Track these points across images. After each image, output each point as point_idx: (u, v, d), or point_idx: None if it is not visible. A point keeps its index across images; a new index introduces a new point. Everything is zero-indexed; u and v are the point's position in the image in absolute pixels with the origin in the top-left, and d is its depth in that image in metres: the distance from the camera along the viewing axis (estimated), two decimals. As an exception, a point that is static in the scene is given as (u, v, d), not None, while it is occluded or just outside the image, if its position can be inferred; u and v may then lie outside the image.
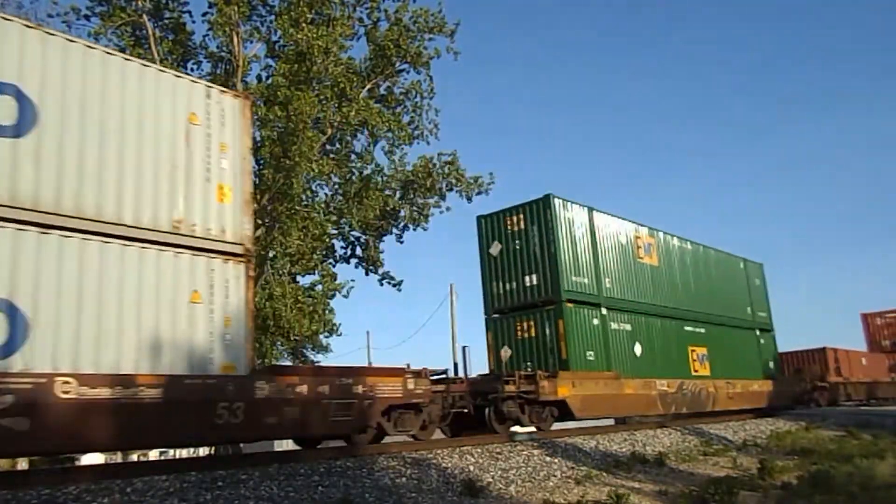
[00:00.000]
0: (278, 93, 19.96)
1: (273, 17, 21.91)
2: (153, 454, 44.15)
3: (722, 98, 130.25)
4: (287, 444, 17.53)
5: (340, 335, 22.89)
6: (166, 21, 21.99)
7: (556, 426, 14.94)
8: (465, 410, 12.67)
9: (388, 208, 23.03)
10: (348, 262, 23.89)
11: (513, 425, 13.05)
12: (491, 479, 9.13)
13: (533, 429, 13.10)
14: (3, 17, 7.70)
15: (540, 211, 15.69)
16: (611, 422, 18.13)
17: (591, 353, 15.28)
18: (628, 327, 16.66)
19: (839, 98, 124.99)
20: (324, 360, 30.23)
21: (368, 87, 23.37)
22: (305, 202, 21.26)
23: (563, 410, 13.93)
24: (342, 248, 23.85)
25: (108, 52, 8.68)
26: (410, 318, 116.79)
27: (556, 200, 15.82)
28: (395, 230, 24.00)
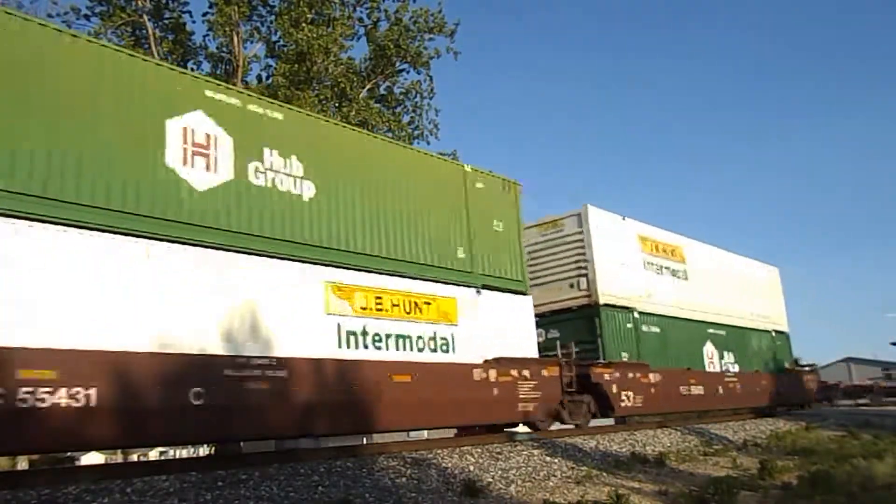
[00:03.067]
0: (278, 93, 19.97)
1: (273, 17, 21.95)
2: (153, 454, 44.17)
3: (724, 102, 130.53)
4: (287, 444, 17.49)
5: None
6: (166, 21, 22.02)
7: (556, 426, 14.86)
8: None
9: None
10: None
11: None
12: (491, 479, 9.13)
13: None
14: None
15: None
16: (611, 421, 18.09)
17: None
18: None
19: (844, 104, 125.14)
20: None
21: (368, 87, 23.39)
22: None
23: None
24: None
25: None
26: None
27: None
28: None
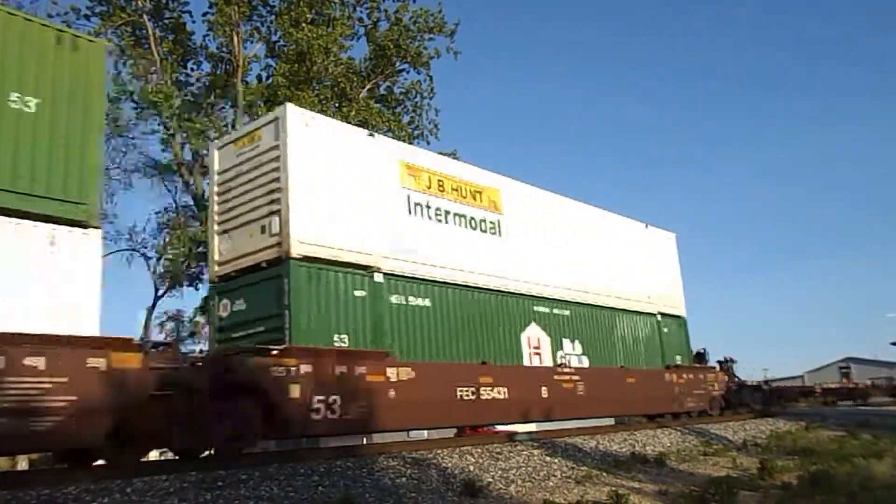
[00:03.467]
0: (278, 93, 20.00)
1: (273, 17, 21.98)
2: (153, 454, 44.24)
3: (725, 105, 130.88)
4: (288, 444, 17.46)
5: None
6: (166, 21, 22.07)
7: (557, 426, 14.87)
8: None
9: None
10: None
11: None
12: (491, 479, 9.13)
13: (533, 427, 12.72)
14: None
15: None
16: (611, 421, 18.11)
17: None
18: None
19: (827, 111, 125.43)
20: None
21: (368, 87, 23.41)
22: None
23: None
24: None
25: None
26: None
27: None
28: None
